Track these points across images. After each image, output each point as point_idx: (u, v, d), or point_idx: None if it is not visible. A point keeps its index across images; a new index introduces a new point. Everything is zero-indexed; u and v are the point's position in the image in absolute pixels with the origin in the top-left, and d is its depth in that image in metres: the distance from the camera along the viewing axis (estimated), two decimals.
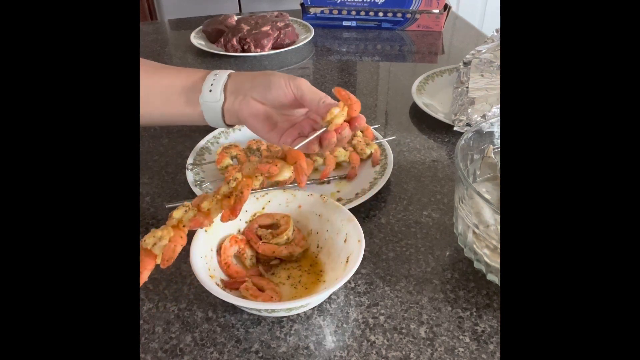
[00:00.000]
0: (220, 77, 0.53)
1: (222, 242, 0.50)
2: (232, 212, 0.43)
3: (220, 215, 0.43)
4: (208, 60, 1.07)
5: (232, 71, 0.55)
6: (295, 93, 0.50)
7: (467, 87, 0.78)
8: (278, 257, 0.51)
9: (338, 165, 0.67)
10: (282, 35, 1.11)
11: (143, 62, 0.57)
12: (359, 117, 0.49)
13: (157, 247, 0.40)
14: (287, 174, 0.46)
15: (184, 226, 0.42)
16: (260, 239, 0.51)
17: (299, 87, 0.50)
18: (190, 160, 0.66)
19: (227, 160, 0.65)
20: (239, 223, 0.52)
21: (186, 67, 0.57)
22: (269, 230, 0.52)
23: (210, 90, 0.53)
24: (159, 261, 0.41)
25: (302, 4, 1.23)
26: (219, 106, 0.53)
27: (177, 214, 0.43)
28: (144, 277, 0.40)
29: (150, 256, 0.41)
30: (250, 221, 0.53)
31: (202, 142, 0.70)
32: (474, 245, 0.48)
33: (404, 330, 0.45)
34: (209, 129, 0.73)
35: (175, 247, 0.41)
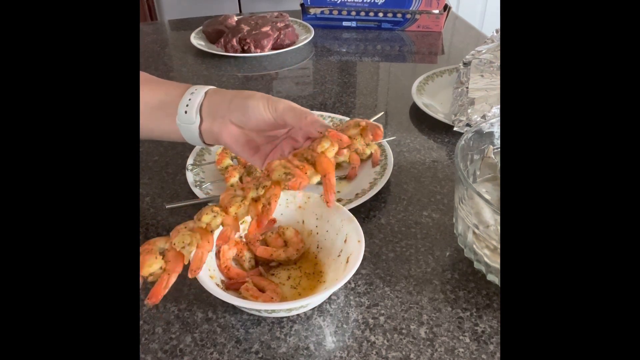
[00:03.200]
0: (196, 95, 0.50)
1: (220, 245, 0.50)
2: (259, 225, 0.43)
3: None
4: (208, 61, 1.07)
5: (211, 87, 0.52)
6: (275, 117, 0.48)
7: (467, 88, 0.78)
8: (276, 260, 0.51)
9: (338, 165, 0.67)
10: (282, 36, 1.11)
11: None
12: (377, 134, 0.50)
13: (186, 250, 0.40)
14: (315, 180, 0.46)
15: (211, 231, 0.41)
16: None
17: (277, 110, 0.48)
18: (190, 161, 0.66)
19: (227, 161, 0.65)
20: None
21: (167, 81, 0.54)
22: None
23: (186, 112, 0.50)
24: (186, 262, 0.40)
25: (302, 5, 1.23)
26: (196, 128, 0.50)
27: (206, 219, 0.42)
28: (172, 280, 0.40)
29: (180, 259, 0.40)
30: (244, 222, 0.53)
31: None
32: (474, 246, 0.48)
33: (404, 331, 0.45)
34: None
35: (203, 254, 0.40)
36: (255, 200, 0.44)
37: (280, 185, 0.45)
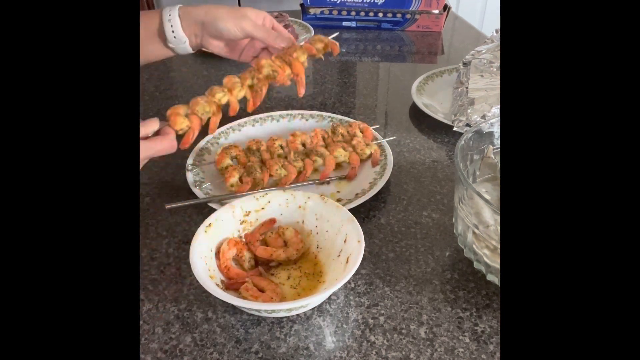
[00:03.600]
0: (174, 20, 0.61)
1: (220, 245, 0.50)
2: (254, 105, 0.61)
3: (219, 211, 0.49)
4: (208, 61, 1.07)
5: (179, 6, 0.62)
6: (246, 35, 0.61)
7: (467, 88, 0.78)
8: (276, 260, 0.51)
9: (338, 165, 0.67)
10: None
11: None
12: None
13: (204, 116, 0.57)
14: (288, 80, 0.61)
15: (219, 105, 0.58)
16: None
17: (244, 30, 0.60)
18: (189, 161, 0.66)
19: (227, 161, 0.65)
20: (236, 225, 0.52)
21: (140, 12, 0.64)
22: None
23: (175, 37, 0.62)
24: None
25: (301, 5, 1.23)
26: (187, 46, 0.63)
27: (218, 95, 0.58)
28: (195, 134, 0.56)
29: (199, 122, 0.57)
30: (244, 222, 0.53)
31: (202, 143, 0.70)
32: (474, 246, 0.48)
33: (403, 331, 0.45)
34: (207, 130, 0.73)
35: (216, 121, 0.58)
36: (250, 87, 0.60)
37: (268, 79, 0.61)
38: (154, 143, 0.50)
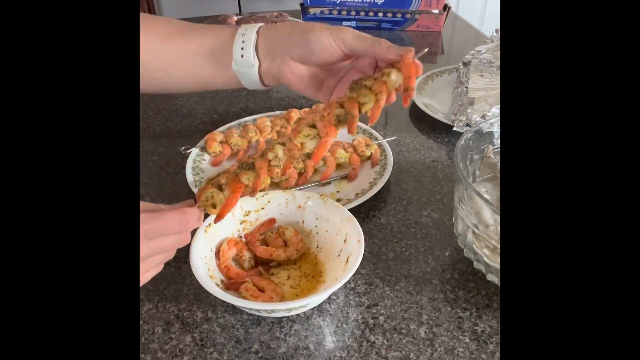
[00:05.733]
0: (249, 36, 0.48)
1: (220, 244, 0.50)
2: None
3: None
4: None
5: (262, 25, 0.49)
6: (344, 49, 0.45)
7: (467, 87, 0.78)
8: (276, 260, 0.51)
9: (338, 166, 0.67)
10: None
11: (168, 21, 0.52)
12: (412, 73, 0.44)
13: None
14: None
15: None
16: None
17: (345, 42, 0.45)
18: (190, 163, 0.66)
19: (216, 146, 0.68)
20: (236, 225, 0.52)
21: (211, 25, 0.52)
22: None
23: (242, 56, 0.48)
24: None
25: (301, 4, 1.23)
26: (255, 71, 0.48)
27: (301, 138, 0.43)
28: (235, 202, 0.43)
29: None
30: (244, 221, 0.53)
31: (201, 142, 0.70)
32: (474, 246, 0.48)
33: (403, 331, 0.45)
34: (208, 129, 0.74)
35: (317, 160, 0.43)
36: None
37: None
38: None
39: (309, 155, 0.44)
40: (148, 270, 0.40)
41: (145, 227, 0.37)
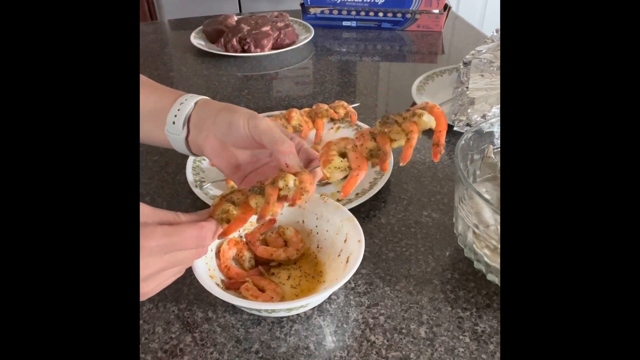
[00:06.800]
0: (185, 106, 0.49)
1: (220, 244, 0.50)
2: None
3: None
4: (208, 60, 1.07)
5: (203, 97, 0.51)
6: (254, 135, 0.46)
7: (467, 87, 0.78)
8: (276, 260, 0.51)
9: None
10: (282, 36, 1.11)
11: None
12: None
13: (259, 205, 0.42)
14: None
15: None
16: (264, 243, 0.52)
17: (256, 129, 0.46)
18: (190, 163, 0.66)
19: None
20: None
21: (162, 86, 0.53)
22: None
23: (174, 123, 0.49)
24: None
25: (302, 4, 1.23)
26: (182, 139, 0.50)
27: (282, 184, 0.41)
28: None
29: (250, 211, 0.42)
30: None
31: None
32: (474, 246, 0.48)
33: (404, 331, 0.45)
34: None
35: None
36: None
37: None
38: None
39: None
40: (162, 282, 0.40)
41: (161, 242, 0.37)
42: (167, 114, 0.50)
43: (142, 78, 0.55)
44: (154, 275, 0.38)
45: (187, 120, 0.49)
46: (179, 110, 0.49)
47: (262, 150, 0.49)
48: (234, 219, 0.42)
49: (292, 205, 0.42)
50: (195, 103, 0.50)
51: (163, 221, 0.39)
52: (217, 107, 0.49)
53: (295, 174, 0.42)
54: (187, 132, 0.50)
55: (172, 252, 0.38)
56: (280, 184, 0.41)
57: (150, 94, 0.52)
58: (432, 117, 0.41)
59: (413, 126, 0.41)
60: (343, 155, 0.43)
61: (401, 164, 0.43)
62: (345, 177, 0.42)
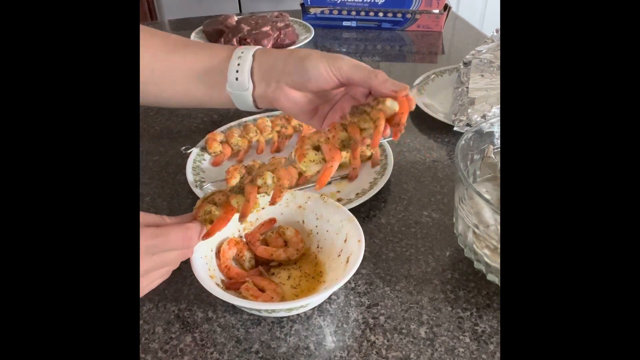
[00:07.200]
0: (245, 58, 0.47)
1: (220, 244, 0.50)
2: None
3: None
4: None
5: (258, 48, 0.49)
6: (340, 78, 0.45)
7: (467, 87, 0.78)
8: (276, 260, 0.51)
9: (339, 166, 0.67)
10: (282, 36, 1.11)
11: (165, 36, 0.52)
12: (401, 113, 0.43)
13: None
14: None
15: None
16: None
17: (341, 70, 0.44)
18: (190, 163, 0.66)
19: (217, 145, 0.68)
20: (236, 225, 0.52)
21: (210, 44, 0.51)
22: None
23: (237, 79, 0.47)
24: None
25: (302, 4, 1.23)
26: (249, 94, 0.48)
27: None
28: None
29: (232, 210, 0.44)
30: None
31: (202, 142, 0.70)
32: (474, 246, 0.48)
33: (404, 331, 0.45)
34: (208, 129, 0.74)
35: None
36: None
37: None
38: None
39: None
40: (150, 283, 0.40)
41: (148, 243, 0.37)
42: (220, 72, 0.48)
43: (184, 39, 0.53)
44: (142, 276, 0.38)
45: (250, 74, 0.47)
46: (239, 64, 0.47)
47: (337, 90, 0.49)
48: (217, 219, 0.43)
49: (272, 204, 0.44)
50: (254, 55, 0.48)
51: (149, 223, 0.39)
52: (281, 55, 0.47)
53: (272, 171, 0.43)
54: (253, 88, 0.48)
55: (160, 253, 0.39)
56: (259, 181, 0.43)
57: (201, 52, 0.50)
58: (396, 103, 0.42)
59: (379, 113, 0.42)
60: (317, 148, 0.43)
61: (371, 151, 0.44)
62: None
